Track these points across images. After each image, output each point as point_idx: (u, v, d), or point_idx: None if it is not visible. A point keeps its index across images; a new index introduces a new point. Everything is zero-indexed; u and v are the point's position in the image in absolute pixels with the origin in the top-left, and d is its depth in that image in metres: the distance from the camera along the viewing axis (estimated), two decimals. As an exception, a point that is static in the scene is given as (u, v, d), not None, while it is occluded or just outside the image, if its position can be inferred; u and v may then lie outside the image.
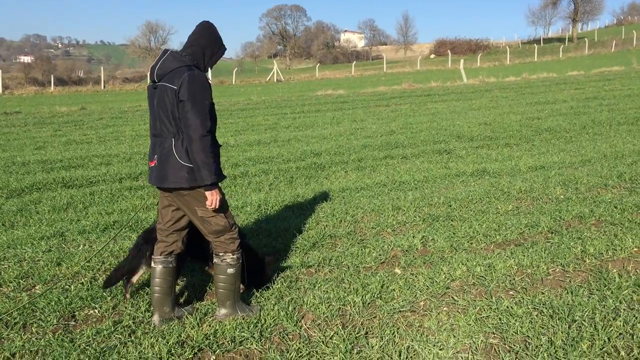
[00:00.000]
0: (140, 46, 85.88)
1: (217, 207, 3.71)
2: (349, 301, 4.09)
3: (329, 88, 27.95)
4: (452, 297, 4.13)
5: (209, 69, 4.00)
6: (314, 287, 4.40)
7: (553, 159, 9.01)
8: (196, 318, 3.91)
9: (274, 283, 4.49)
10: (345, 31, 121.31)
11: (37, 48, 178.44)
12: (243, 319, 3.86)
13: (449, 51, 59.86)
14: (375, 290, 4.25)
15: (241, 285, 4.19)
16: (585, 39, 63.82)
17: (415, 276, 4.54)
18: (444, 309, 3.98)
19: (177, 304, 4.08)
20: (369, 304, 4.08)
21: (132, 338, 3.68)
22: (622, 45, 56.55)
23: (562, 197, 6.68)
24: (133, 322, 3.91)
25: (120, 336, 3.71)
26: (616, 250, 4.86)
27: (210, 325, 3.80)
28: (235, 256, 3.88)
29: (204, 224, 3.81)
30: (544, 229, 5.55)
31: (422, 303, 4.08)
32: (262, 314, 3.93)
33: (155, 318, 3.89)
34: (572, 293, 4.08)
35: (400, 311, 3.96)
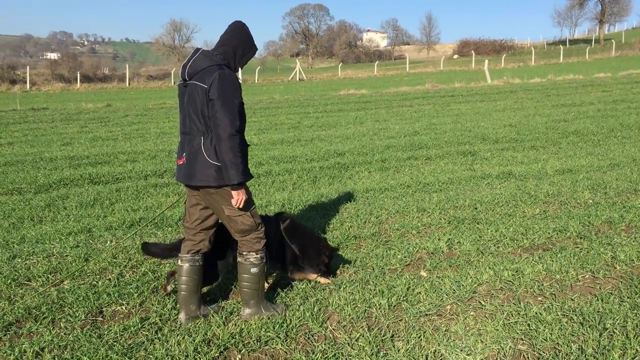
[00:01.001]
0: (165, 44, 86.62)
1: (242, 206, 3.71)
2: (374, 303, 4.07)
3: (352, 87, 27.89)
4: (479, 302, 4.09)
5: (240, 68, 4.00)
6: (339, 288, 4.39)
7: (581, 163, 8.87)
8: (222, 317, 3.92)
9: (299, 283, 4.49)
10: (368, 31, 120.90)
11: (63, 45, 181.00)
12: (268, 318, 3.86)
13: (472, 52, 59.34)
14: (401, 293, 4.22)
15: (265, 284, 4.20)
16: (612, 40, 62.72)
17: (442, 279, 4.50)
18: (471, 313, 3.94)
19: (204, 302, 4.09)
20: (394, 306, 4.06)
21: (159, 335, 3.71)
22: (650, 47, 55.52)
23: (590, 201, 6.56)
24: (160, 319, 3.94)
25: (147, 333, 3.74)
26: (647, 257, 4.76)
27: (236, 325, 3.81)
28: (259, 255, 3.88)
29: (231, 223, 3.82)
30: (572, 234, 5.46)
31: (448, 307, 4.04)
32: (287, 314, 3.92)
33: (182, 316, 3.91)
34: (602, 300, 4.01)
35: (426, 315, 3.92)
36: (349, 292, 4.26)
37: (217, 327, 3.76)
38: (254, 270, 3.87)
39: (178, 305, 4.00)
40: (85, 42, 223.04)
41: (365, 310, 4.00)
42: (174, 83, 44.72)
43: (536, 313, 3.84)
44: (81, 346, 3.56)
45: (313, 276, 4.54)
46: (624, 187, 7.05)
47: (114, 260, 5.05)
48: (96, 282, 4.63)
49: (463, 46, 79.32)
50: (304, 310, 3.96)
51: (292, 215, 4.78)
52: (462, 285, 4.36)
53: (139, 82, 46.42)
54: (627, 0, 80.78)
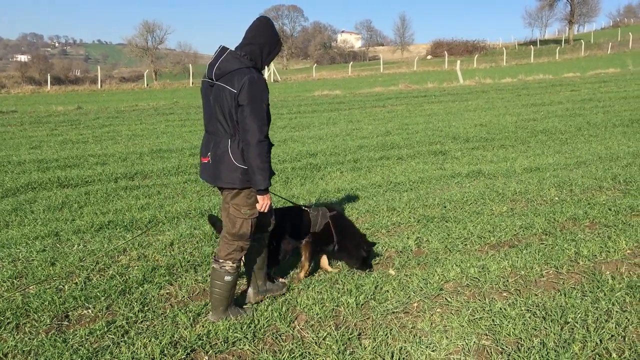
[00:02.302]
0: (138, 46, 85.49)
1: (266, 211, 3.78)
2: (342, 302, 4.09)
3: (326, 88, 27.96)
4: (446, 299, 4.14)
5: (266, 66, 3.97)
6: (308, 287, 4.41)
7: (548, 161, 9.04)
8: (189, 318, 3.91)
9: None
10: (343, 32, 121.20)
11: (34, 47, 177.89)
12: (237, 319, 3.86)
13: (445, 52, 59.92)
14: (369, 292, 4.26)
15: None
16: (582, 40, 63.89)
17: (409, 277, 4.55)
18: (437, 310, 3.98)
19: (270, 278, 4.33)
20: (362, 305, 4.09)
21: (125, 338, 3.68)
22: (617, 48, 56.68)
23: (556, 198, 6.70)
24: (127, 322, 3.90)
25: (113, 336, 3.71)
26: (609, 252, 4.87)
27: (203, 326, 3.80)
28: (235, 265, 3.87)
29: (229, 222, 3.83)
30: (538, 231, 5.57)
31: (415, 304, 4.09)
32: (255, 315, 3.93)
33: (250, 291, 4.16)
34: (565, 295, 4.09)
35: (393, 312, 3.96)
36: (318, 292, 4.28)
37: (185, 329, 3.75)
38: (227, 278, 3.86)
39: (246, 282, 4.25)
40: (56, 44, 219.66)
41: (333, 309, 4.02)
42: (147, 85, 44.29)
43: (500, 308, 3.90)
44: (45, 351, 3.52)
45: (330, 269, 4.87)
46: (589, 184, 7.20)
47: (81, 264, 4.99)
48: (62, 286, 4.57)
49: (436, 47, 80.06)
50: (272, 310, 3.97)
51: (339, 209, 5.01)
52: (429, 282, 4.41)
53: (111, 84, 45.77)
54: (596, 1, 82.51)
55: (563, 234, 5.45)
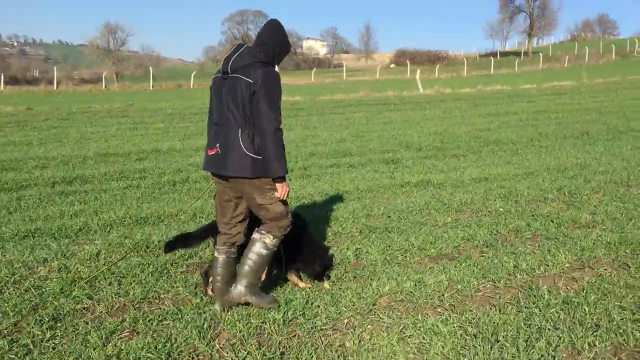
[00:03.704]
0: (99, 47, 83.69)
1: (286, 198, 3.88)
2: (269, 318, 3.88)
3: (286, 94, 27.67)
4: (378, 315, 3.97)
5: (276, 65, 4.08)
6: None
7: (497, 171, 9.02)
8: (101, 337, 3.63)
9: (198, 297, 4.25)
10: (308, 38, 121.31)
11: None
12: (152, 338, 3.61)
13: (407, 61, 60.48)
14: (298, 307, 4.05)
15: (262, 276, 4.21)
16: (540, 53, 65.37)
17: (344, 291, 4.37)
18: (368, 327, 3.81)
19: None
20: (290, 321, 3.88)
21: (27, 358, 3.38)
22: (574, 61, 58.12)
23: (501, 209, 6.63)
24: (32, 341, 3.60)
25: (14, 356, 3.41)
26: (548, 265, 4.79)
27: (115, 345, 3.53)
28: (274, 241, 3.97)
29: (263, 211, 3.92)
30: (479, 243, 5.47)
31: (345, 320, 3.91)
32: (172, 332, 3.67)
33: (217, 306, 4.02)
34: (500, 311, 3.97)
35: (321, 329, 3.77)
36: (244, 307, 4.05)
37: (94, 349, 3.47)
38: (263, 251, 3.96)
39: (213, 296, 4.06)
40: (15, 44, 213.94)
41: (259, 326, 3.80)
42: (105, 87, 43.31)
43: (432, 325, 3.75)
44: None
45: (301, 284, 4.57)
46: (534, 196, 7.18)
47: (-6, 275, 4.65)
48: (-30, 300, 4.23)
49: (400, 56, 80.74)
50: (191, 328, 3.72)
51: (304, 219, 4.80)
52: (363, 297, 4.24)
53: (67, 86, 44.59)
54: (554, 14, 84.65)
55: (504, 246, 5.36)
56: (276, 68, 4.20)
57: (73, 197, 7.69)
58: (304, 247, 4.48)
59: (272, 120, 3.66)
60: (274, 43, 3.89)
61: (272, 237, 3.96)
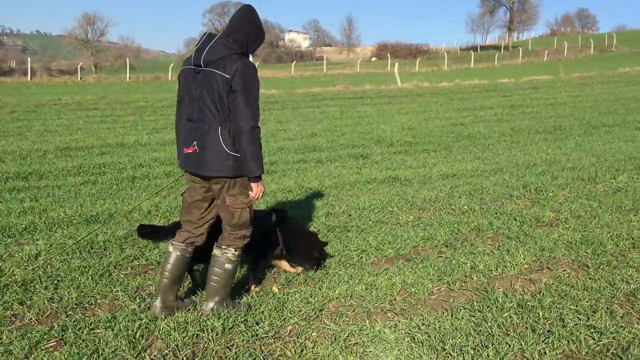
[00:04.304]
0: (77, 38, 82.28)
1: (259, 198, 3.74)
2: (207, 326, 3.66)
3: (264, 87, 27.37)
4: (324, 321, 3.78)
5: (250, 55, 3.85)
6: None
7: (466, 167, 8.87)
8: (25, 347, 3.38)
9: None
10: (290, 31, 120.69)
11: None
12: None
13: (388, 55, 60.34)
14: (240, 313, 3.84)
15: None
16: (520, 47, 65.71)
17: (292, 295, 4.17)
18: (313, 334, 3.62)
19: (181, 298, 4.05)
20: (230, 329, 3.67)
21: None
22: (553, 55, 58.53)
23: (465, 207, 6.47)
24: (-52, 353, 3.35)
25: None
26: (506, 266, 4.64)
27: (37, 357, 3.28)
28: (237, 253, 3.83)
29: (227, 214, 3.74)
30: (439, 242, 5.30)
31: (289, 328, 3.71)
32: (102, 342, 3.44)
33: (157, 303, 3.81)
34: (452, 315, 3.80)
35: (262, 338, 3.57)
36: (183, 314, 3.83)
37: (12, 361, 3.23)
38: (228, 266, 3.82)
39: (156, 291, 3.89)
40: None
41: (196, 334, 3.58)
42: (80, 78, 42.52)
43: (379, 332, 3.57)
44: None
45: (298, 269, 4.65)
46: (500, 193, 7.03)
47: None
48: None
49: (381, 49, 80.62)
50: (122, 337, 3.49)
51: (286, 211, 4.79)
52: (311, 302, 4.04)
53: (42, 77, 43.70)
54: (535, 9, 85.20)
55: (463, 246, 5.20)
56: (250, 58, 3.96)
57: (25, 193, 7.37)
58: (297, 236, 4.54)
59: (248, 119, 3.48)
60: (246, 30, 3.65)
61: (233, 249, 3.81)
